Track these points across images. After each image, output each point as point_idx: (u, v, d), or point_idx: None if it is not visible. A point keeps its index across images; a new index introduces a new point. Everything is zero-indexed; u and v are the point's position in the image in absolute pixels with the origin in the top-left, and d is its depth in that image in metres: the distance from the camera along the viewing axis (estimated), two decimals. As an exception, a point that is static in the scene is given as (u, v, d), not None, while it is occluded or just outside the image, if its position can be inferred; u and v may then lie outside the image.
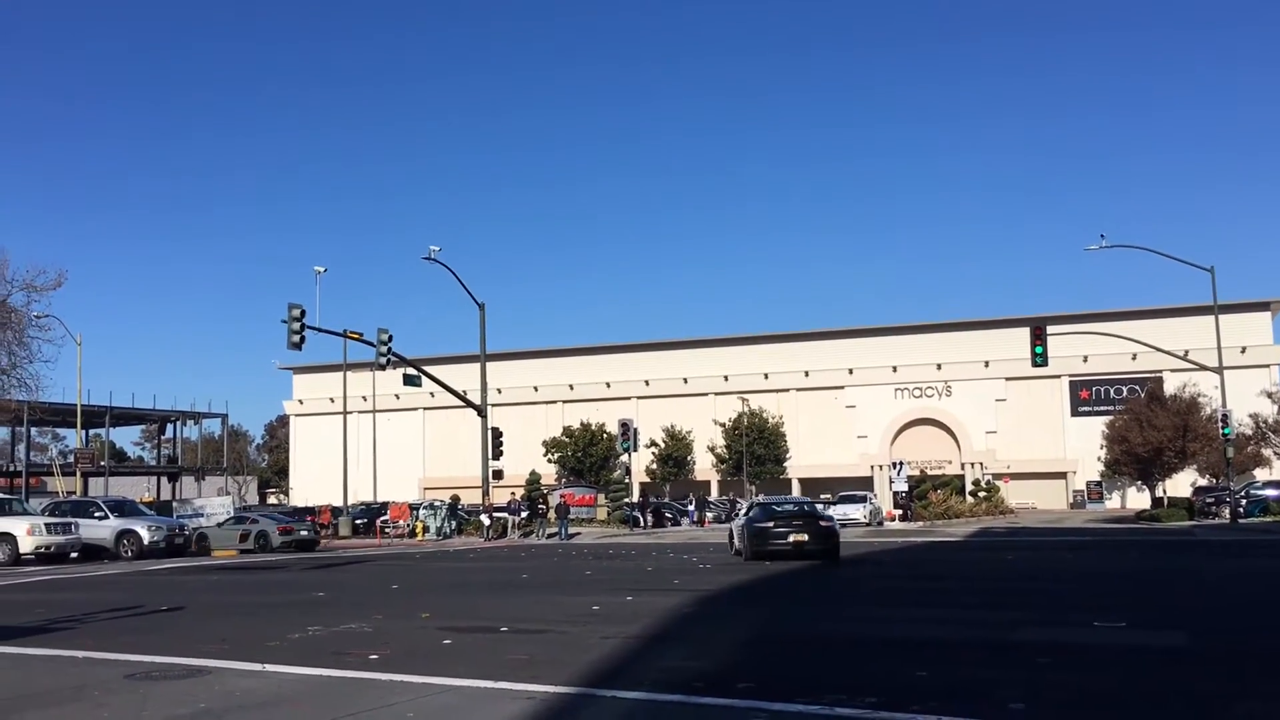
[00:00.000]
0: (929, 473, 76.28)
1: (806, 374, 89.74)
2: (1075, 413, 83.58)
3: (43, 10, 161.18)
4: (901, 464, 59.57)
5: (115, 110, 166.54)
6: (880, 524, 52.68)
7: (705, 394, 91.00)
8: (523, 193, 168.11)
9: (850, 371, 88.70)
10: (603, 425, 74.73)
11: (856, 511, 51.96)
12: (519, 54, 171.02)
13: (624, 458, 59.74)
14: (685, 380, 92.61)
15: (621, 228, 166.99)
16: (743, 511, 30.89)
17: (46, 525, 32.19)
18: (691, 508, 59.32)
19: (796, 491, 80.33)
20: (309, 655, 10.60)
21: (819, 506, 34.47)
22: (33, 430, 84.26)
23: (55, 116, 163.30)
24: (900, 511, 55.41)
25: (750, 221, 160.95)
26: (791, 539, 25.19)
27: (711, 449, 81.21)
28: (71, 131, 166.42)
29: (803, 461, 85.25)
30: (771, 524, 25.84)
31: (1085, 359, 78.35)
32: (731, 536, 29.86)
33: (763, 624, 13.52)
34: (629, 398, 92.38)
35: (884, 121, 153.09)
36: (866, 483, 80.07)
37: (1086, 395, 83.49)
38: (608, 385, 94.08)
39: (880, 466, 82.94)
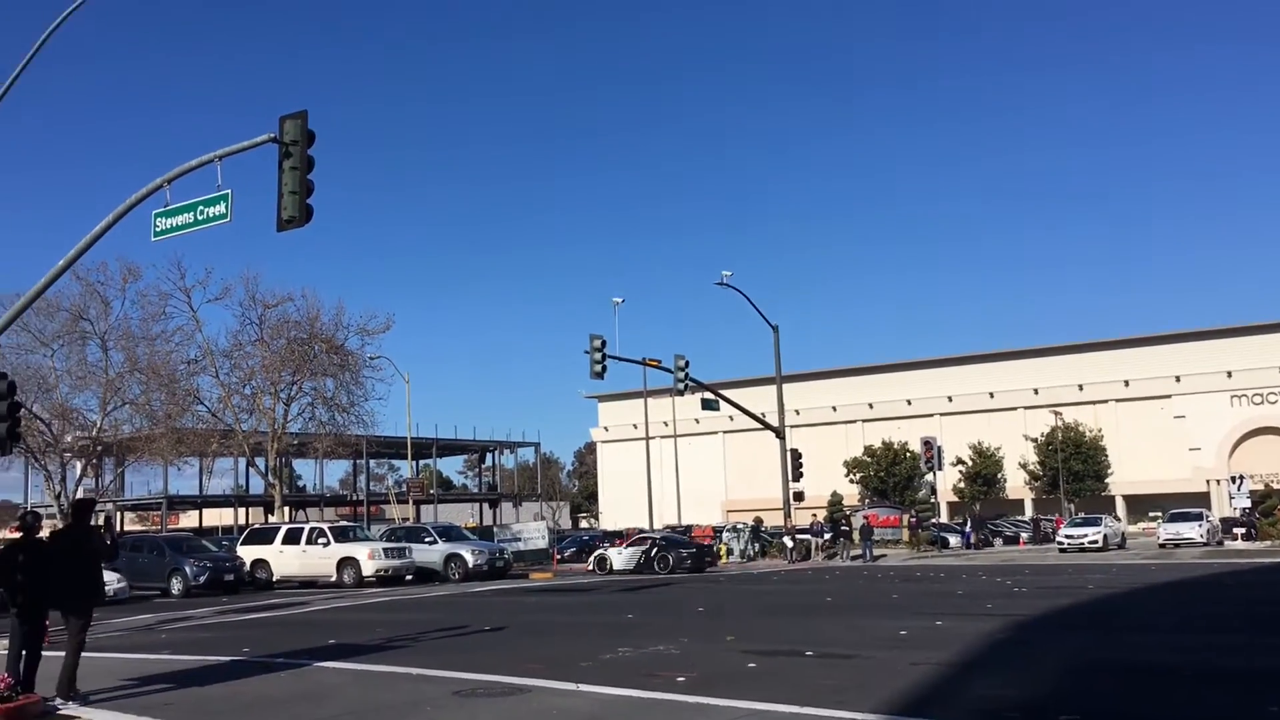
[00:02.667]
0: (1276, 487, 69.21)
1: (1127, 384, 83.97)
2: None
3: (349, 68, 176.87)
4: (1242, 477, 54.42)
5: (422, 152, 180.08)
6: (1220, 544, 48.37)
7: (1014, 408, 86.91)
8: (813, 212, 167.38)
9: (1177, 379, 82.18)
10: (905, 444, 72.89)
11: (1191, 530, 48.01)
12: (810, 72, 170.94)
13: (929, 477, 57.99)
14: (991, 395, 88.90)
15: (916, 238, 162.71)
16: (627, 545, 40.65)
17: (384, 550, 34.96)
18: (968, 529, 56.23)
19: (1121, 510, 75.28)
20: (619, 676, 10.91)
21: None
22: (370, 462, 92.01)
23: (362, 164, 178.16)
24: (1243, 530, 50.62)
25: (1055, 221, 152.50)
26: (703, 558, 38.94)
27: (1023, 466, 77.34)
28: (378, 176, 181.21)
29: (1125, 477, 79.54)
30: (678, 550, 38.56)
31: None
32: (605, 562, 38.91)
33: (1086, 651, 12.66)
34: (931, 414, 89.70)
35: (1221, 104, 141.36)
36: (1201, 499, 73.68)
37: None
38: (908, 403, 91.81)
39: (1217, 481, 76.08)
